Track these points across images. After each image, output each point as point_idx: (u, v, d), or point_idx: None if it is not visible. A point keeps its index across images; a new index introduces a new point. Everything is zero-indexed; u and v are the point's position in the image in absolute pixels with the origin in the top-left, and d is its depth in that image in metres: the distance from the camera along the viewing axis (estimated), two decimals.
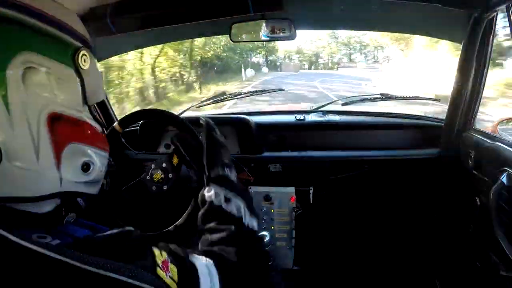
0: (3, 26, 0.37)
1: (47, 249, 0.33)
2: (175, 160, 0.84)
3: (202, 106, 1.43)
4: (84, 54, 0.46)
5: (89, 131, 0.47)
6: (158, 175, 0.81)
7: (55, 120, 0.41)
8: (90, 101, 0.48)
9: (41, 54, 0.40)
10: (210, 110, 1.55)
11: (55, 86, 0.42)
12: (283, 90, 1.64)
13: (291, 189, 1.15)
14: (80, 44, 0.46)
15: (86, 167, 0.45)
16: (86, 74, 0.46)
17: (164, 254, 0.42)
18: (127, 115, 0.93)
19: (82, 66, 0.46)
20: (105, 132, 0.84)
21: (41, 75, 0.40)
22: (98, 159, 0.48)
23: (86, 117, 0.47)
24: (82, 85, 0.46)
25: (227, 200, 0.60)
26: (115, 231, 0.43)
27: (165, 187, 0.82)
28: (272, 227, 1.20)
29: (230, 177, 0.66)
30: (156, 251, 0.42)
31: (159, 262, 0.40)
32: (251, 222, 0.61)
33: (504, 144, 0.86)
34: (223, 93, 1.42)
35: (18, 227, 0.36)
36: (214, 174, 0.65)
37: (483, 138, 0.95)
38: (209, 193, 0.61)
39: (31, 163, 0.39)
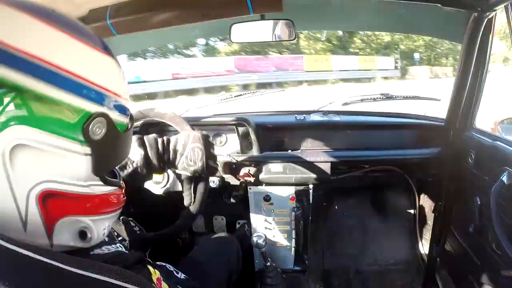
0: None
1: (30, 251, 0.32)
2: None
3: (202, 106, 1.43)
4: (98, 122, 0.37)
5: (91, 203, 0.40)
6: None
7: (48, 197, 0.36)
8: (103, 171, 0.41)
9: (39, 128, 0.33)
10: (210, 110, 1.55)
11: (51, 163, 0.35)
12: (283, 90, 1.64)
13: (291, 189, 1.15)
14: (95, 105, 0.37)
15: (83, 235, 0.40)
16: (98, 144, 0.38)
17: (158, 272, 0.43)
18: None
19: (94, 137, 0.37)
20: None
21: (34, 152, 0.34)
22: (101, 224, 0.42)
23: (91, 186, 0.40)
24: (92, 155, 0.38)
25: None
26: (112, 249, 0.43)
27: (161, 187, 0.82)
28: (272, 227, 1.20)
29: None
30: (151, 269, 0.42)
31: (154, 279, 0.41)
32: None
33: (504, 143, 0.86)
34: (223, 93, 1.42)
35: None
36: None
37: (483, 137, 0.95)
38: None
39: (18, 233, 0.35)
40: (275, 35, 0.96)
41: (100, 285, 0.33)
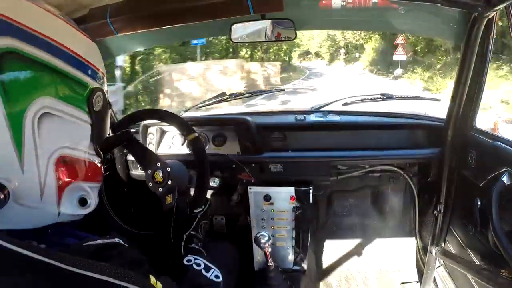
0: (26, 67, 0.37)
1: (30, 250, 0.33)
2: None
3: (202, 106, 1.43)
4: (98, 96, 0.46)
5: (90, 169, 0.47)
6: (158, 176, 0.81)
7: (62, 163, 0.41)
8: (99, 139, 0.48)
9: (60, 99, 0.40)
10: (210, 110, 1.55)
11: (67, 131, 0.42)
12: (283, 90, 1.64)
13: (291, 189, 1.15)
14: (95, 82, 0.46)
15: (83, 202, 0.45)
16: (98, 114, 0.46)
17: (160, 285, 0.43)
18: (129, 115, 0.93)
19: (95, 108, 0.46)
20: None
21: (57, 120, 0.40)
22: (95, 192, 0.48)
23: (90, 154, 0.47)
24: (92, 125, 0.46)
25: (207, 267, 0.66)
26: (106, 241, 0.43)
27: (160, 190, 0.82)
28: (272, 227, 1.20)
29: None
30: (152, 279, 0.42)
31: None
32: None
33: (504, 144, 0.86)
34: (223, 93, 1.42)
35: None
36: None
37: (483, 137, 0.95)
38: (189, 262, 0.67)
39: (35, 202, 0.39)
40: (275, 34, 0.96)
41: (100, 285, 0.34)
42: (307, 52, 30.63)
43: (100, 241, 0.43)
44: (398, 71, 11.76)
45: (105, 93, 0.48)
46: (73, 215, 0.44)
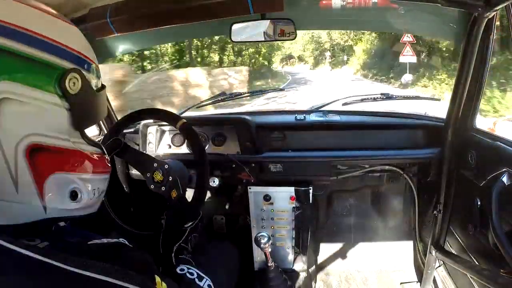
0: None
1: (30, 251, 0.32)
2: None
3: (202, 106, 1.43)
4: (73, 77, 0.42)
5: (76, 159, 0.44)
6: (158, 176, 0.81)
7: (35, 151, 0.39)
8: (82, 125, 0.45)
9: (21, 83, 0.37)
10: (210, 110, 1.55)
11: (35, 116, 0.39)
12: (283, 90, 1.64)
13: (291, 189, 1.15)
14: (71, 64, 0.42)
15: (74, 195, 0.43)
16: (75, 98, 0.42)
17: (165, 285, 0.42)
18: (130, 114, 0.93)
19: (70, 91, 0.41)
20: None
21: (19, 105, 0.37)
22: (90, 184, 0.45)
23: (75, 143, 0.44)
24: (70, 110, 0.42)
25: (200, 277, 0.66)
26: (111, 240, 0.43)
27: (163, 188, 0.82)
28: (272, 227, 1.20)
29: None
30: (158, 279, 0.41)
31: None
32: None
33: (504, 144, 0.86)
34: (223, 93, 1.42)
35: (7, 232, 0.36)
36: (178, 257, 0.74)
37: (483, 137, 0.95)
38: (182, 272, 0.67)
39: (10, 195, 0.37)
40: (278, 32, 0.96)
41: (102, 285, 0.34)
42: (290, 56, 28.38)
43: (105, 240, 0.43)
44: (407, 77, 9.33)
45: (88, 74, 0.45)
46: (65, 209, 0.42)
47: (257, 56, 15.86)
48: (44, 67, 0.40)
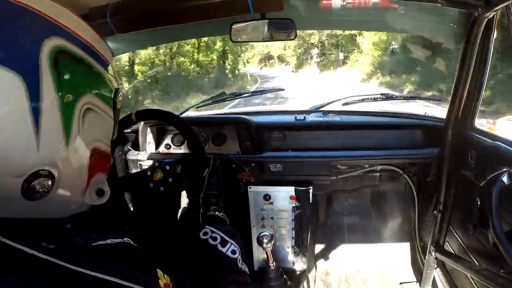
0: (77, 65, 0.40)
1: (38, 251, 0.33)
2: (178, 169, 0.85)
3: (202, 106, 1.43)
4: (120, 95, 0.50)
5: (109, 162, 0.50)
6: (159, 175, 0.82)
7: (94, 155, 0.44)
8: (115, 133, 0.52)
9: (98, 96, 0.44)
10: (210, 110, 1.55)
11: (100, 125, 0.46)
12: (283, 90, 1.64)
13: (291, 189, 1.15)
14: (116, 83, 0.49)
15: (100, 193, 0.46)
16: (118, 112, 0.50)
17: (167, 277, 0.42)
18: (144, 110, 0.94)
19: (117, 106, 0.49)
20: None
21: (95, 115, 0.43)
22: (107, 183, 0.49)
23: (110, 148, 0.50)
24: (114, 122, 0.50)
25: (224, 242, 0.63)
26: (115, 241, 0.44)
27: (162, 188, 0.82)
28: (272, 227, 1.20)
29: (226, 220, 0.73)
30: (160, 272, 0.41)
31: (161, 284, 0.40)
32: (243, 266, 0.63)
33: (504, 144, 0.86)
34: (223, 93, 1.42)
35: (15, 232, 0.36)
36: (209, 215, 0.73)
37: (483, 137, 0.95)
38: (205, 236, 0.64)
39: (71, 192, 0.41)
40: (275, 34, 0.96)
41: (107, 286, 0.34)
42: (269, 57, 23.65)
43: (109, 241, 0.43)
44: None
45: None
46: (90, 205, 0.46)
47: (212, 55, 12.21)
48: (107, 84, 0.47)
